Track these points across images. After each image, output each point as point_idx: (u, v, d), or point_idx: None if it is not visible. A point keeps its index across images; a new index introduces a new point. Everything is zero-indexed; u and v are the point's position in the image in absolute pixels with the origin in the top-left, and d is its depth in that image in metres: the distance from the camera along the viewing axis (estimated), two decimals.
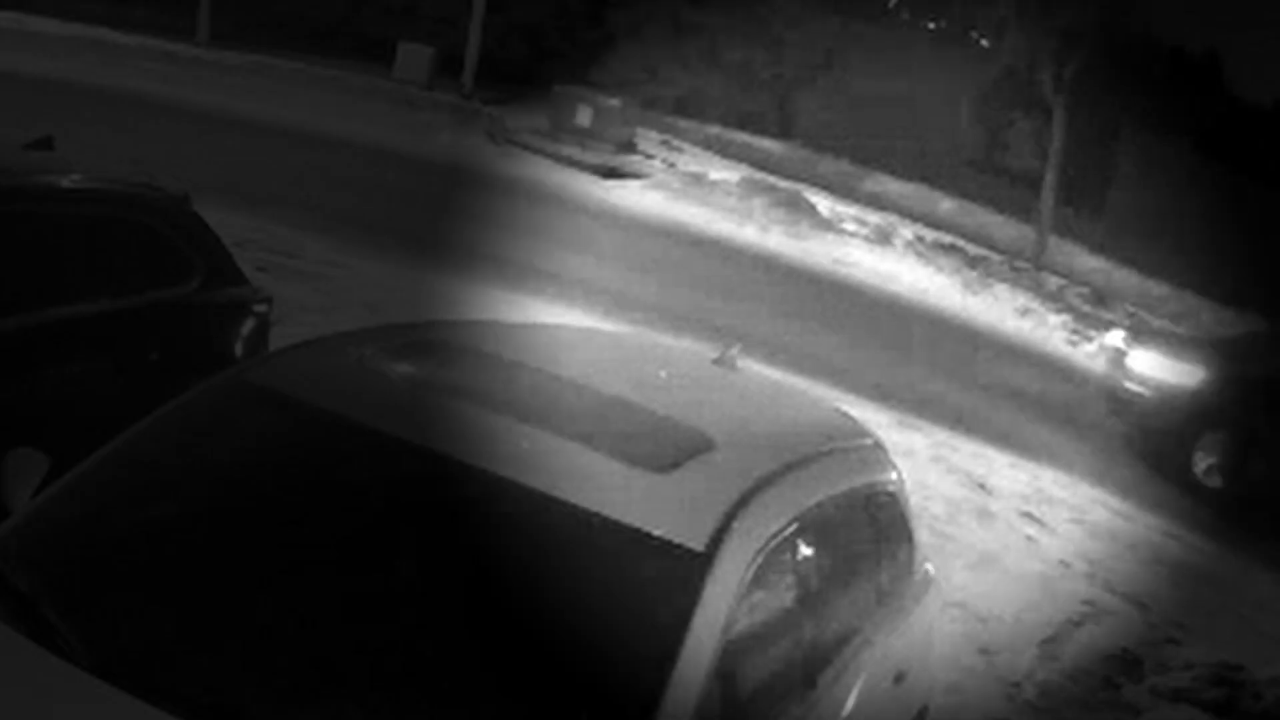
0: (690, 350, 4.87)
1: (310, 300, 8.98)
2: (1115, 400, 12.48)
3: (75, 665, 2.47)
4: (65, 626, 2.55)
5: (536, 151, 20.96)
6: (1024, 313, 18.29)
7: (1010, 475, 9.95)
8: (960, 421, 11.08)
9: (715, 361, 4.12)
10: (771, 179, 22.34)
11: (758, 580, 2.91)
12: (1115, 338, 13.41)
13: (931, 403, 11.45)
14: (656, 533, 2.80)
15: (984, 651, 6.51)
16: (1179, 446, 11.60)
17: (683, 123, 26.00)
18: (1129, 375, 12.25)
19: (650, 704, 2.54)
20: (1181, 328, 20.74)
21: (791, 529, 3.13)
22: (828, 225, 20.02)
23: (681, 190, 20.21)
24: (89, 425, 3.54)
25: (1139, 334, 13.74)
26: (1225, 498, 11.33)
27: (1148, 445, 11.89)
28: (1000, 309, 18.29)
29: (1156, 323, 20.78)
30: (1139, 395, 12.04)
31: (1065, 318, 18.36)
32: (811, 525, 3.29)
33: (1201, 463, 11.55)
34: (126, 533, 2.89)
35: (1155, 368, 12.13)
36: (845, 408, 5.05)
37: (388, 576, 2.75)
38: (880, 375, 11.95)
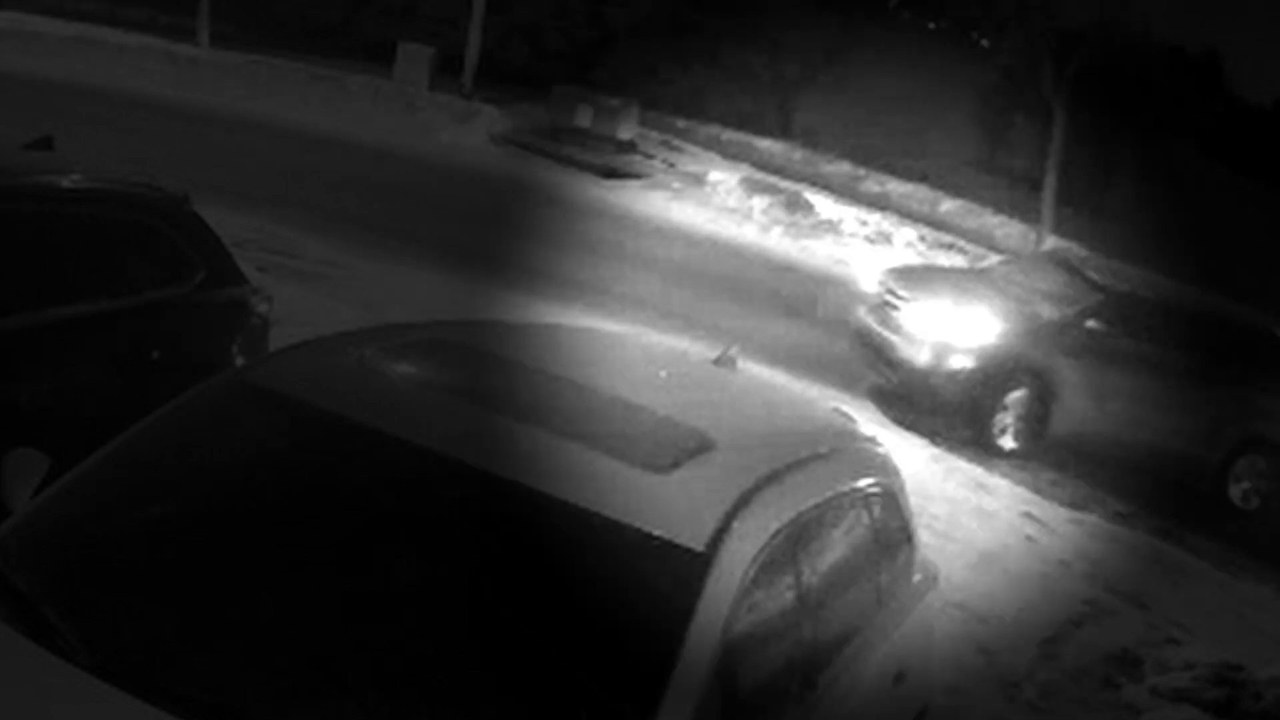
0: (690, 350, 4.86)
1: (310, 300, 8.97)
2: (884, 363, 10.66)
3: (75, 665, 2.47)
4: (65, 626, 2.55)
5: (537, 151, 20.96)
6: None
7: None
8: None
9: (715, 361, 4.12)
10: (771, 179, 22.32)
11: (758, 580, 2.91)
12: (878, 283, 11.36)
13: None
14: (656, 533, 2.80)
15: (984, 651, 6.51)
16: (976, 414, 10.23)
17: (682, 123, 25.96)
18: (902, 334, 10.46)
19: (650, 704, 2.54)
20: (953, 257, 18.82)
21: (791, 529, 3.13)
22: (828, 225, 20.01)
23: (681, 190, 20.21)
24: (89, 425, 3.54)
25: (906, 279, 11.43)
26: (1022, 460, 10.32)
27: (933, 415, 10.36)
28: None
29: (934, 254, 18.92)
30: (917, 358, 10.31)
31: None
32: (812, 525, 3.29)
33: (998, 426, 10.35)
34: (126, 533, 2.89)
35: (934, 323, 10.39)
36: (846, 409, 5.04)
37: (387, 576, 2.75)
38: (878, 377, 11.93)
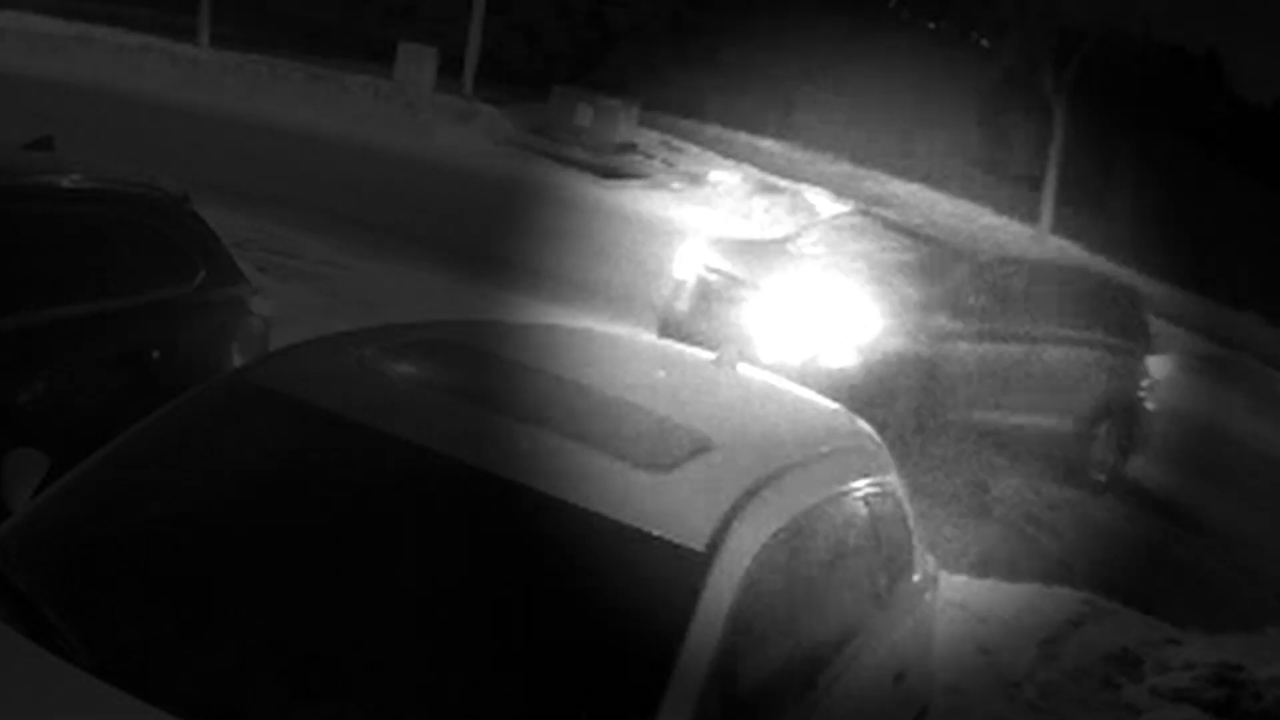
0: (690, 350, 4.86)
1: (310, 300, 8.97)
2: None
3: (75, 665, 2.47)
4: (65, 626, 2.55)
5: (537, 152, 20.98)
6: None
7: None
8: None
9: (714, 361, 4.12)
10: (772, 179, 22.32)
11: (757, 580, 2.91)
12: (703, 265, 9.11)
13: None
14: (656, 533, 2.80)
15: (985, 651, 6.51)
16: (870, 416, 8.38)
17: (683, 123, 25.99)
18: (754, 327, 8.48)
19: (650, 704, 2.54)
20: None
21: (791, 529, 3.13)
22: None
23: (682, 190, 20.21)
24: (89, 425, 3.54)
25: (741, 258, 9.39)
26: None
27: None
28: None
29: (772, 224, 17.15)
30: (786, 356, 8.24)
31: None
32: (811, 525, 3.29)
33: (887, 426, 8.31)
34: (126, 533, 2.89)
35: (806, 312, 8.56)
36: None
37: (387, 577, 2.75)
38: None
